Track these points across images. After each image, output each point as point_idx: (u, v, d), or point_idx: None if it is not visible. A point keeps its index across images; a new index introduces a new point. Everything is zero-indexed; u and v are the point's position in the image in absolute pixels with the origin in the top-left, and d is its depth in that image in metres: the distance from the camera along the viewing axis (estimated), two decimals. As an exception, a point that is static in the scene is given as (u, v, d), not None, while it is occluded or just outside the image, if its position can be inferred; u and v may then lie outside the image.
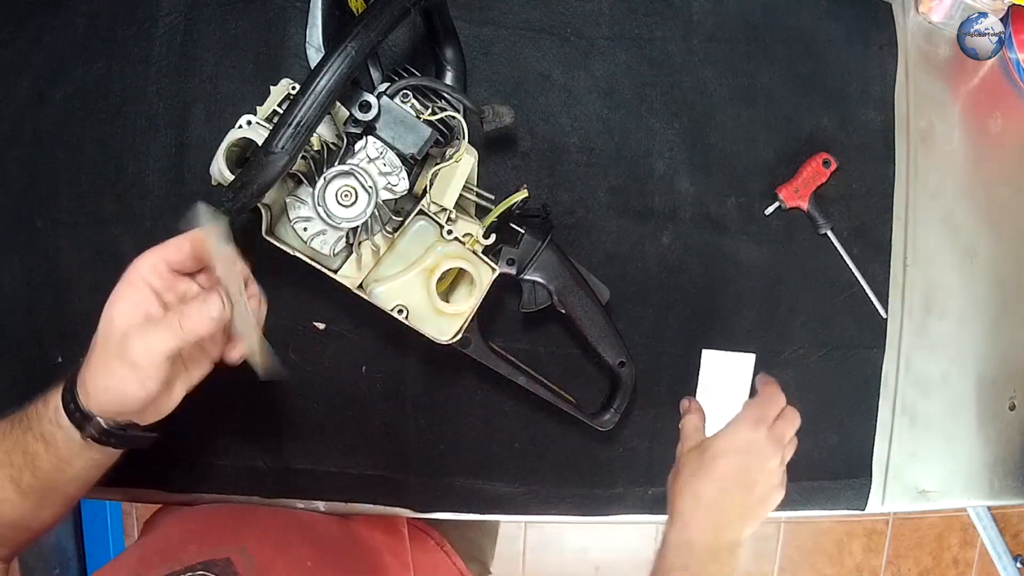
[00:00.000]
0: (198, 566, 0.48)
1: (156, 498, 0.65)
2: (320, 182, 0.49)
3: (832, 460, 0.70)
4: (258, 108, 0.52)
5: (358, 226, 0.51)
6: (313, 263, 0.54)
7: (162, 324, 0.44)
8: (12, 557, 0.54)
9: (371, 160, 0.50)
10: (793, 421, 0.61)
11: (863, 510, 0.72)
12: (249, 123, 0.51)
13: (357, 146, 0.50)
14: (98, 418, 0.47)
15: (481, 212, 0.58)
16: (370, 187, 0.49)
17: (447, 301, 0.56)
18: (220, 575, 0.48)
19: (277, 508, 0.64)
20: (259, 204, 0.51)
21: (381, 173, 0.50)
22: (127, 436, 0.49)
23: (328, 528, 0.64)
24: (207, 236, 0.46)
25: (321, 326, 0.63)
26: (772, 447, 0.58)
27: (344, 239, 0.52)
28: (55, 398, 0.47)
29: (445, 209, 0.54)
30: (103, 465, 0.50)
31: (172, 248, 0.46)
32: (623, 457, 0.67)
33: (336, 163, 0.50)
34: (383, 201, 0.51)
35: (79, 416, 0.46)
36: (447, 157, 0.54)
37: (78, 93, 0.62)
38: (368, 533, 0.67)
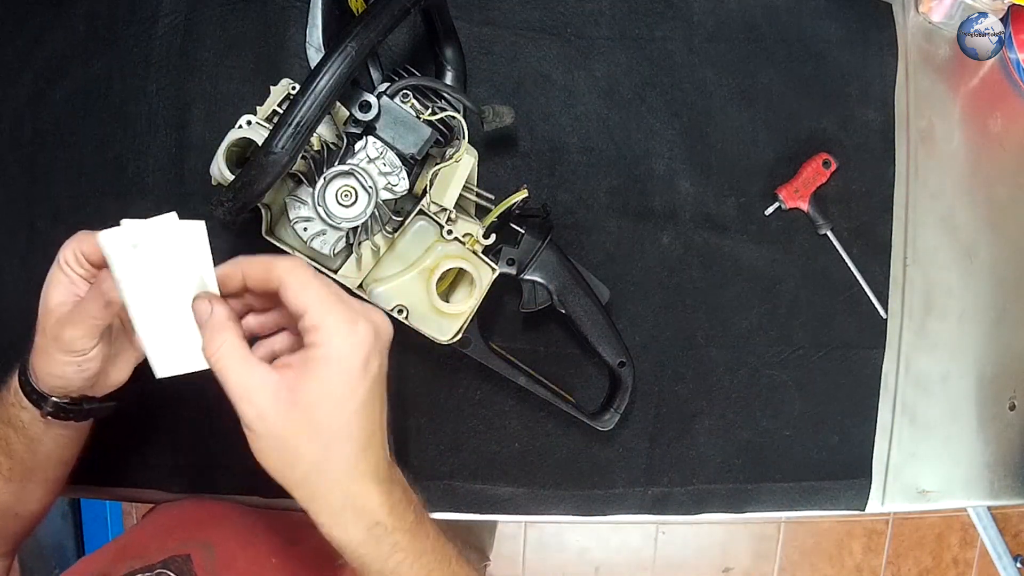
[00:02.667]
0: (158, 564, 0.49)
1: (156, 498, 0.64)
2: (320, 182, 0.49)
3: (832, 460, 0.70)
4: (258, 108, 0.52)
5: (358, 226, 0.51)
6: (313, 263, 0.54)
7: (82, 307, 0.44)
8: (13, 553, 0.54)
9: (371, 160, 0.50)
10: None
11: (863, 510, 0.72)
12: (249, 123, 0.51)
13: (357, 146, 0.50)
14: (52, 397, 0.47)
15: (481, 212, 0.58)
16: (370, 187, 0.49)
17: (447, 301, 0.56)
18: (178, 572, 0.49)
19: (250, 507, 0.64)
20: (259, 204, 0.51)
21: (381, 173, 0.51)
22: (84, 410, 0.49)
23: (307, 526, 0.63)
24: (104, 242, 0.41)
25: (321, 326, 0.63)
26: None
27: (344, 239, 0.52)
28: (15, 380, 0.48)
29: (445, 209, 0.54)
30: (75, 440, 0.51)
31: (90, 242, 0.45)
32: (623, 457, 0.67)
33: (336, 163, 0.50)
34: (383, 201, 0.51)
35: (36, 397, 0.47)
36: (447, 157, 0.54)
37: (78, 93, 0.61)
38: None
